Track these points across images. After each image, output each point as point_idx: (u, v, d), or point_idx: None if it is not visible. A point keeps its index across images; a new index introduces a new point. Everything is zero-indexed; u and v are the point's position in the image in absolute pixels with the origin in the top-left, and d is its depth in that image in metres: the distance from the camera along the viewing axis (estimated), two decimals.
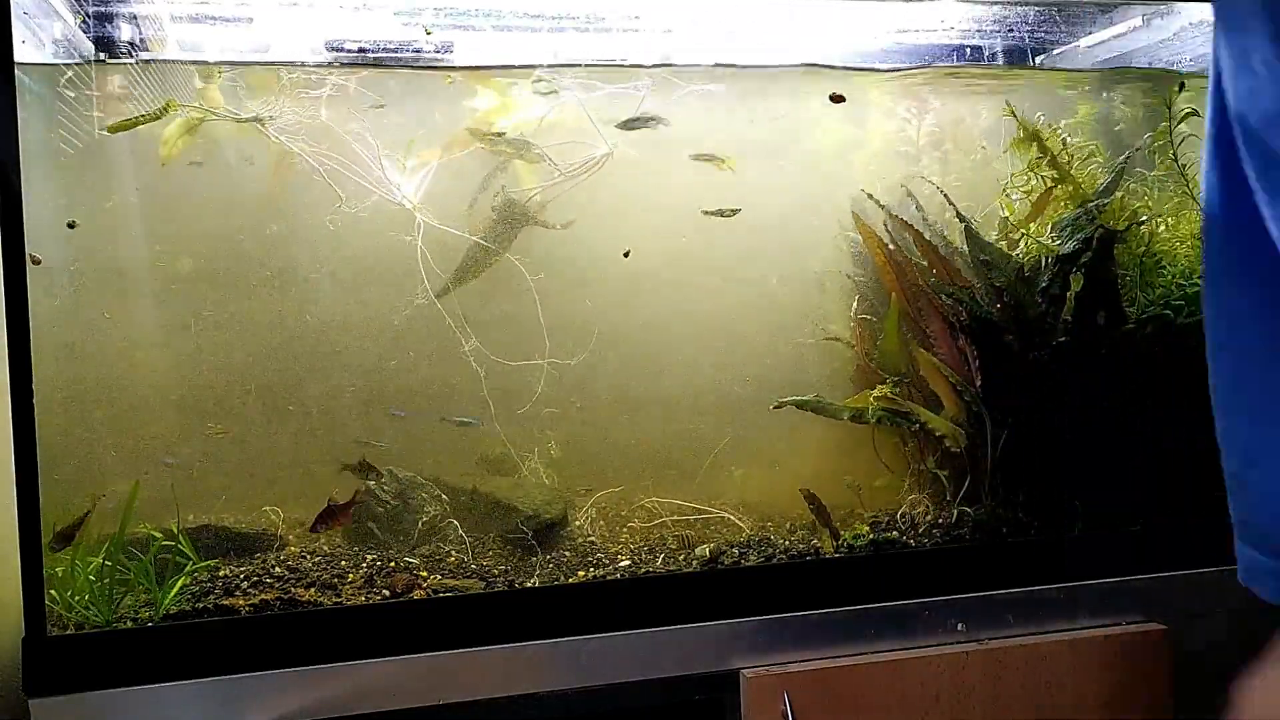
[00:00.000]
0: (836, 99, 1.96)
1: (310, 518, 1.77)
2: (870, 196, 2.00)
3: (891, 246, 2.00)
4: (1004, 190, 2.03)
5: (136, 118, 1.70)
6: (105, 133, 1.70)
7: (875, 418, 1.90)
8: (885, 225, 2.01)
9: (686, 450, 2.05)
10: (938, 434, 1.89)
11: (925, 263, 1.94)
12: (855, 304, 2.09)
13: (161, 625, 1.52)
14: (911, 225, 1.97)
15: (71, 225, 1.49)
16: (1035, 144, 1.94)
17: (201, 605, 1.56)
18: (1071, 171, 1.98)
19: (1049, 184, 1.96)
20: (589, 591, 1.68)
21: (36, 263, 1.53)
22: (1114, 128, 2.17)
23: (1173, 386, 1.91)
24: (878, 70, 2.08)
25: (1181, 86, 1.96)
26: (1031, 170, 1.99)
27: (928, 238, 1.95)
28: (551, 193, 1.94)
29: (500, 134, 1.88)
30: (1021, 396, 1.85)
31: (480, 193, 1.92)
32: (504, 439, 1.93)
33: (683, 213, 2.01)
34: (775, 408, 1.94)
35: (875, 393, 1.92)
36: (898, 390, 1.92)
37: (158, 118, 1.72)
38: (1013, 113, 1.97)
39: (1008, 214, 2.00)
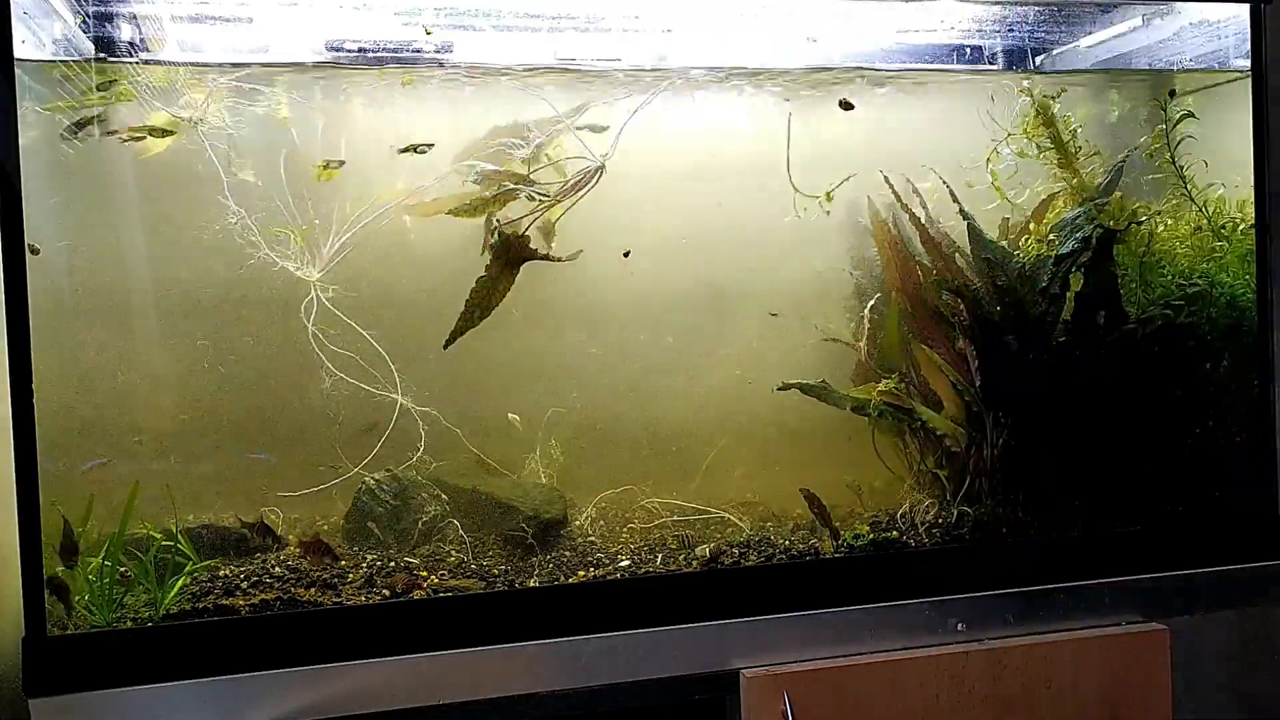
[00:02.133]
0: (846, 106, 1.96)
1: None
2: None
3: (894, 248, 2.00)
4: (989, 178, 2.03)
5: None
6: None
7: (877, 411, 1.90)
8: (887, 224, 2.02)
9: (687, 450, 2.05)
10: (938, 433, 1.90)
11: (928, 261, 1.94)
12: (857, 303, 2.10)
13: (161, 625, 1.52)
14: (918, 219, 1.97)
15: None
16: (1047, 128, 1.95)
17: (201, 605, 1.56)
18: (1076, 165, 1.98)
19: (1054, 161, 1.97)
20: (589, 591, 1.68)
21: (35, 252, 1.53)
22: (1115, 126, 2.17)
23: (1173, 386, 1.91)
24: (879, 70, 2.08)
25: (1172, 94, 1.97)
26: (1038, 156, 2.00)
27: (932, 234, 1.95)
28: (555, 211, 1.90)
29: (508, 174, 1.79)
30: (1021, 396, 1.85)
31: (488, 233, 1.85)
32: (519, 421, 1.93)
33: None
34: (780, 389, 1.94)
35: (880, 386, 1.93)
36: (900, 387, 1.92)
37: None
38: (1030, 93, 1.98)
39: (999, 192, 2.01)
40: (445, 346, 1.81)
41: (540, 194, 1.85)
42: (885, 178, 1.98)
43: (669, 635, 1.63)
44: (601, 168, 1.85)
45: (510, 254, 1.82)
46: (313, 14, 1.78)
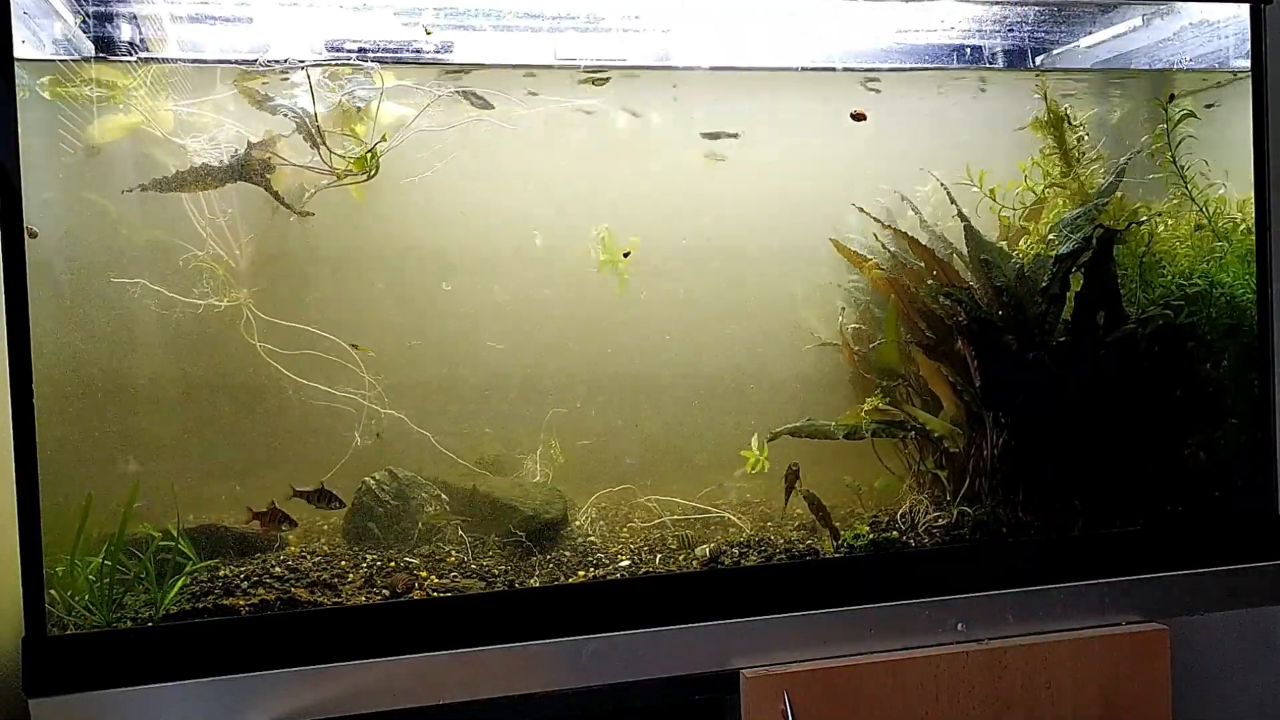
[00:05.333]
0: (858, 117, 1.96)
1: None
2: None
3: (888, 250, 2.00)
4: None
5: None
6: None
7: (870, 431, 1.90)
8: (875, 235, 2.02)
9: (687, 450, 2.05)
10: (936, 435, 1.89)
11: (922, 264, 1.94)
12: (853, 308, 2.10)
13: (161, 625, 1.52)
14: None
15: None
16: (1053, 132, 1.95)
17: (201, 605, 1.56)
18: (1078, 167, 1.99)
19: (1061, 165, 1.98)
20: (589, 591, 1.68)
21: (33, 235, 1.53)
22: (1115, 126, 2.18)
23: (1172, 386, 1.91)
24: (876, 69, 2.08)
25: (1172, 98, 1.97)
26: (1043, 162, 2.00)
27: (924, 241, 1.95)
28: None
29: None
30: (1021, 397, 1.85)
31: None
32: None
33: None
34: (769, 440, 1.95)
35: (866, 406, 1.92)
36: (889, 401, 1.92)
37: None
38: (1044, 94, 1.98)
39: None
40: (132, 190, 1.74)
41: (320, 138, 1.80)
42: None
43: (669, 635, 1.63)
44: (371, 158, 1.82)
45: (240, 169, 1.77)
46: (312, 13, 1.78)
